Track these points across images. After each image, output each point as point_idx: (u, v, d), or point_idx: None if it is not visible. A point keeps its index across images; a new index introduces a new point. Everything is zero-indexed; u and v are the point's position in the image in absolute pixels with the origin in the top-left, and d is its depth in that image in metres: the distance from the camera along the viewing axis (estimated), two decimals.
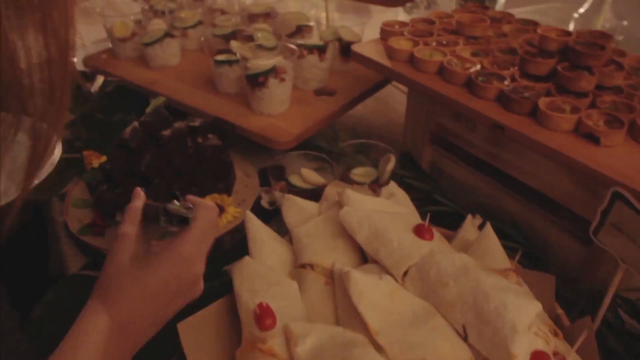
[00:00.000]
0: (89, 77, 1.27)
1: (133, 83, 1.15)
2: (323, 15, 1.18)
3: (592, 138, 0.68)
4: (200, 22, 1.25)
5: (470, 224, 0.75)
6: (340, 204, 0.72)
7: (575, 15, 1.08)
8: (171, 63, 1.18)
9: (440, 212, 0.84)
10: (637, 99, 0.74)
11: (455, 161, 0.90)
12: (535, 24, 0.98)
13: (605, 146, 0.67)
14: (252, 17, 1.21)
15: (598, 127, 0.68)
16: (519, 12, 1.30)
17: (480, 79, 0.77)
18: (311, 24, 1.15)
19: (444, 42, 0.89)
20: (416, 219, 0.70)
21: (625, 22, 1.03)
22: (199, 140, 0.90)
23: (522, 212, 0.81)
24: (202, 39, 1.14)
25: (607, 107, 0.73)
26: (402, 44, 0.89)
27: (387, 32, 0.93)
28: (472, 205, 0.86)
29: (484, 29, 0.92)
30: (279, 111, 0.97)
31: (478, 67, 0.81)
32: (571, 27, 1.17)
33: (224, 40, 1.11)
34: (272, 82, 0.93)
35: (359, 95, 1.04)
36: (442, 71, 0.82)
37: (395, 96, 1.21)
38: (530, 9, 1.35)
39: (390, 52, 0.88)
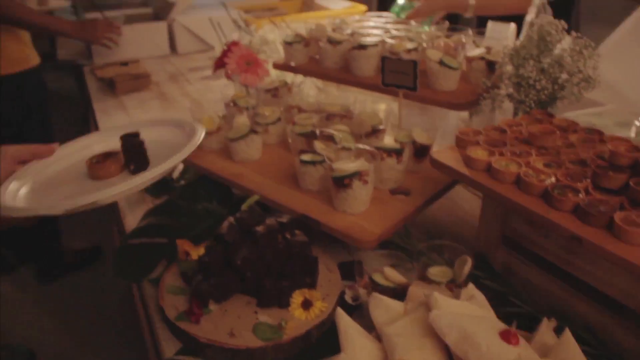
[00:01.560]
0: None
1: (218, 175, 1.25)
2: (395, 112, 1.29)
3: None
4: (279, 119, 1.36)
5: (547, 327, 0.80)
6: (428, 306, 0.78)
7: (637, 123, 1.15)
8: (254, 157, 1.29)
9: (514, 313, 0.89)
10: None
11: (527, 264, 0.95)
12: (600, 133, 1.04)
13: None
14: (329, 117, 1.31)
15: None
16: (576, 116, 1.38)
17: (556, 191, 0.84)
18: (381, 127, 1.25)
19: (517, 152, 0.97)
20: (499, 323, 0.75)
21: None
22: (288, 235, 0.98)
23: (596, 317, 0.85)
24: (290, 140, 1.24)
25: None
26: (479, 154, 0.96)
27: (462, 140, 1.02)
28: (545, 307, 0.90)
29: (554, 140, 0.99)
30: (361, 210, 1.05)
31: (553, 179, 0.87)
32: (632, 132, 1.22)
33: (304, 138, 1.21)
34: (357, 184, 1.01)
35: (433, 196, 1.11)
36: (519, 182, 0.89)
37: (462, 195, 1.28)
38: (587, 112, 1.42)
39: (468, 161, 0.95)
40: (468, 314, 0.76)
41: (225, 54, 1.61)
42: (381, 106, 1.48)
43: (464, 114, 1.49)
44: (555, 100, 1.21)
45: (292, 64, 1.60)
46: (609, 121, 1.37)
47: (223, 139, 1.33)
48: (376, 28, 1.67)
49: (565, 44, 1.16)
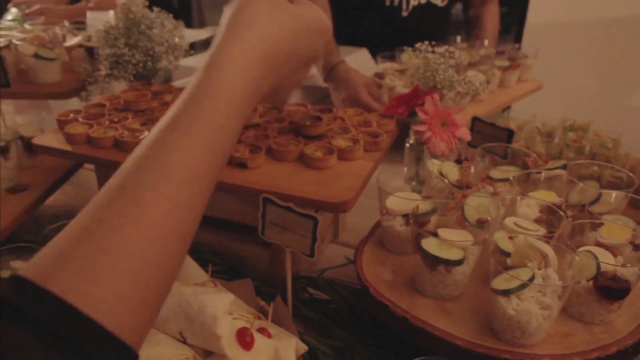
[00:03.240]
0: None
1: None
2: None
3: (241, 165, 0.87)
4: None
5: None
6: None
7: None
8: None
9: None
10: (270, 130, 0.97)
11: None
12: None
13: (252, 168, 0.87)
14: None
15: (244, 155, 0.88)
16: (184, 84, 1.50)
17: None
18: None
19: (116, 120, 1.03)
20: None
21: None
22: None
23: (215, 239, 0.97)
24: None
25: (251, 140, 0.94)
26: (78, 129, 0.99)
27: (63, 122, 1.03)
28: None
29: (147, 102, 1.08)
30: None
31: (147, 134, 0.95)
32: None
33: None
34: None
35: (53, 184, 1.10)
36: (118, 144, 0.95)
37: (90, 179, 1.30)
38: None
39: (69, 138, 0.98)
40: None
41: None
42: None
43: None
44: (156, 72, 1.31)
45: None
46: None
47: None
48: None
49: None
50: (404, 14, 1.82)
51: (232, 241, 0.96)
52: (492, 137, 1.15)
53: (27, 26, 1.55)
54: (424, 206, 0.81)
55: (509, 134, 1.12)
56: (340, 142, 0.93)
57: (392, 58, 1.58)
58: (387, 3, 1.80)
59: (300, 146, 0.91)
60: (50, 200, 1.14)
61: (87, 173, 1.29)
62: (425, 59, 1.11)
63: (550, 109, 1.38)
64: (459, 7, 2.09)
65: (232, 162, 0.88)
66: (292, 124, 0.98)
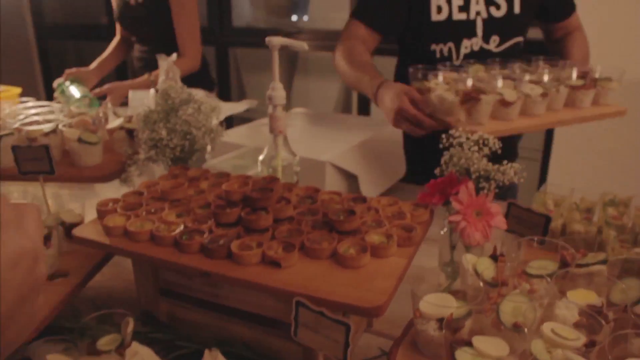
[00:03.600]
0: None
1: None
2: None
3: (274, 263, 0.88)
4: None
5: (209, 357, 0.89)
6: None
7: (260, 157, 1.33)
8: None
9: (182, 355, 0.96)
10: (303, 224, 0.97)
11: (186, 307, 1.03)
12: (227, 175, 1.20)
13: (285, 267, 0.87)
14: None
15: (278, 254, 0.89)
16: (221, 161, 1.54)
17: (184, 237, 0.94)
18: None
19: (153, 211, 1.05)
20: None
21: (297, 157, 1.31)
22: None
23: (249, 333, 0.97)
24: None
25: (284, 236, 0.94)
26: (116, 221, 1.02)
27: (102, 212, 1.06)
28: (210, 340, 0.99)
29: (184, 191, 1.10)
30: None
31: (182, 227, 0.97)
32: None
33: None
34: None
35: (91, 271, 1.13)
36: (153, 237, 0.96)
37: (123, 262, 1.32)
38: (231, 155, 1.60)
39: (108, 230, 1.00)
40: None
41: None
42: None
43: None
44: (193, 153, 1.35)
45: None
46: (250, 160, 1.57)
47: None
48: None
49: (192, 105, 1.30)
50: (456, 62, 1.78)
51: (264, 336, 0.96)
52: (528, 222, 1.13)
53: (72, 108, 1.61)
54: (459, 311, 0.79)
55: (546, 220, 1.10)
56: (374, 237, 0.93)
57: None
58: (438, 55, 1.78)
59: (334, 243, 0.91)
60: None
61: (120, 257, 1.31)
62: (459, 146, 1.11)
63: None
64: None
65: (265, 261, 0.89)
66: (326, 218, 0.99)
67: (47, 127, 1.41)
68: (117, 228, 1.00)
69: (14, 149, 1.21)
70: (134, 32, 2.58)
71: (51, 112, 1.61)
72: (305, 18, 4.36)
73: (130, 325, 0.96)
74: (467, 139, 1.13)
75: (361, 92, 1.75)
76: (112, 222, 1.02)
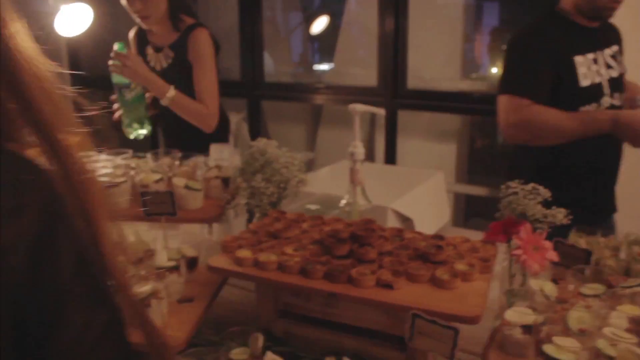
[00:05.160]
0: None
1: None
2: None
3: (387, 286, 1.12)
4: None
5: None
6: None
7: (341, 203, 1.59)
8: None
9: None
10: (402, 256, 1.22)
11: (301, 325, 1.27)
12: (320, 218, 1.44)
13: (396, 289, 1.11)
14: None
15: (389, 278, 1.13)
16: (299, 207, 1.79)
17: (309, 266, 1.18)
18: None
19: (272, 246, 1.29)
20: None
21: None
22: None
23: (362, 346, 1.20)
24: None
25: (389, 265, 1.19)
26: (245, 254, 1.26)
27: (229, 247, 1.30)
28: (325, 353, 1.21)
29: (292, 231, 1.35)
30: (160, 322, 1.23)
31: (297, 259, 1.21)
32: (337, 211, 1.66)
33: None
34: (154, 302, 1.20)
35: (213, 296, 1.36)
36: (281, 267, 1.20)
37: (228, 291, 1.54)
38: (306, 202, 1.85)
39: (239, 261, 1.24)
40: None
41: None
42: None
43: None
44: (282, 199, 1.60)
45: None
46: (322, 206, 1.81)
47: None
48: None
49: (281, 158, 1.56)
50: None
51: (372, 346, 1.19)
52: (572, 255, 1.38)
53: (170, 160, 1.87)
54: (539, 319, 1.03)
55: (587, 254, 1.35)
56: (460, 266, 1.18)
57: None
58: None
59: (431, 270, 1.15)
60: None
61: (230, 288, 1.54)
62: (515, 195, 1.37)
63: None
64: None
65: (379, 284, 1.13)
66: (418, 251, 1.23)
67: (155, 175, 1.66)
68: (248, 259, 1.24)
69: (143, 194, 1.46)
70: None
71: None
72: (326, 67, 4.71)
73: (260, 339, 1.18)
74: (522, 189, 1.39)
75: (586, 133, 1.90)
76: (243, 254, 1.25)
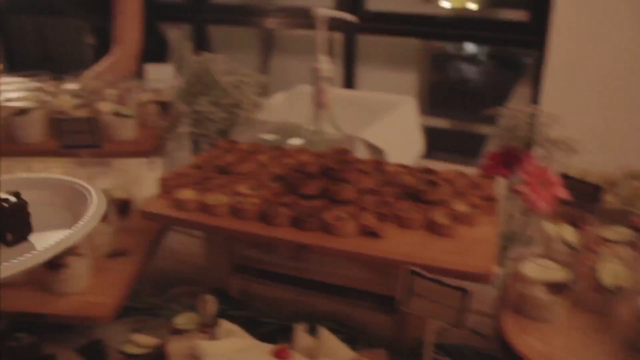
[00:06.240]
0: None
1: None
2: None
3: (372, 234, 0.87)
4: None
5: (301, 332, 0.87)
6: (195, 358, 0.78)
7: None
8: None
9: (269, 332, 0.94)
10: (386, 195, 0.97)
11: (262, 283, 1.02)
12: (281, 149, 1.18)
13: (383, 237, 0.87)
14: None
15: (373, 224, 0.88)
16: (247, 139, 1.51)
17: (271, 209, 0.92)
18: None
19: (223, 184, 1.02)
20: (266, 345, 0.80)
21: None
22: (13, 344, 0.85)
23: (338, 307, 0.97)
24: None
25: (373, 207, 0.94)
26: (189, 195, 0.99)
27: (169, 186, 1.02)
28: (292, 315, 0.98)
29: (248, 165, 1.08)
30: (84, 285, 0.97)
31: (262, 200, 0.95)
32: (296, 141, 1.39)
33: None
34: (72, 259, 0.93)
35: (151, 248, 1.09)
36: (235, 211, 0.94)
37: (173, 238, 1.28)
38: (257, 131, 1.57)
39: (181, 204, 0.97)
40: (236, 348, 0.79)
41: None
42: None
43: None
44: (232, 127, 1.32)
45: None
46: (280, 136, 1.54)
47: None
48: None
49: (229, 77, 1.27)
50: None
51: (351, 308, 0.96)
52: (579, 191, 1.16)
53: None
54: (567, 275, 0.82)
55: (597, 190, 1.13)
56: (461, 207, 0.94)
57: None
58: None
59: (424, 212, 0.91)
60: None
61: (176, 235, 1.27)
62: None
63: None
64: None
65: (363, 231, 0.88)
66: (406, 189, 0.99)
67: (76, 100, 1.35)
68: (191, 202, 0.97)
69: (59, 121, 1.15)
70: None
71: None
72: None
73: (212, 303, 0.93)
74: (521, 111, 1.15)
75: None
76: (185, 195, 0.98)
